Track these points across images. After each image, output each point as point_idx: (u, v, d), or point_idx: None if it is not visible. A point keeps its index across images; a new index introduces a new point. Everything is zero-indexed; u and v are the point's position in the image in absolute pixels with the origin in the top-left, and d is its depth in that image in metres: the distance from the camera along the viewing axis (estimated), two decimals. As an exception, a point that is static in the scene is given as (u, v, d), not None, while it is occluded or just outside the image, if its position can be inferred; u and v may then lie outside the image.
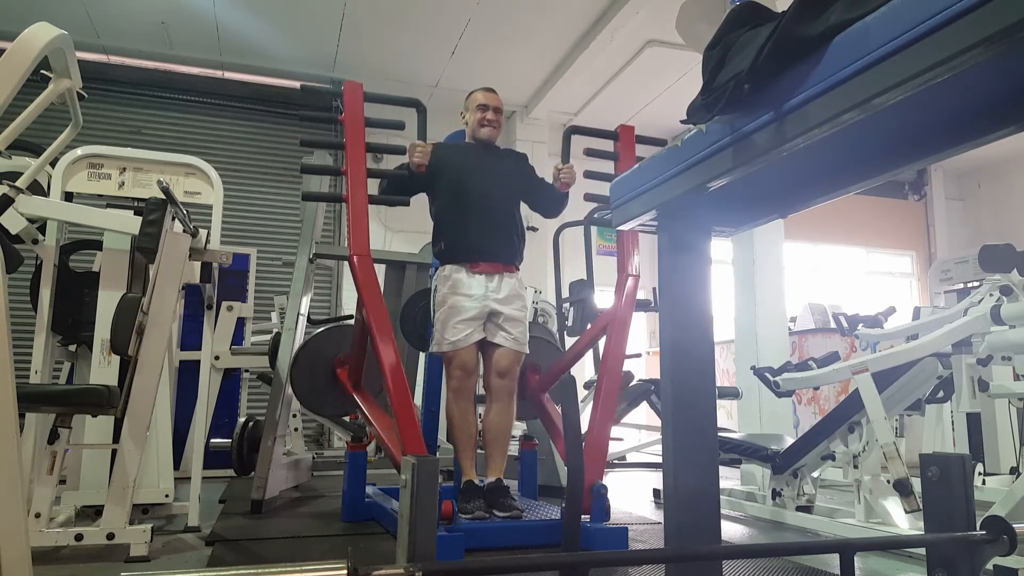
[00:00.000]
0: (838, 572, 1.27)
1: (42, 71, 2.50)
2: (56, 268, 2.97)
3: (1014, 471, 3.63)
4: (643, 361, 8.25)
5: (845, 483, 4.07)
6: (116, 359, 2.95)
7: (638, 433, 6.93)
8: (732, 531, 3.19)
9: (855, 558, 1.27)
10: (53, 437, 2.46)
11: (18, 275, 2.92)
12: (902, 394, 3.12)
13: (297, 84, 7.09)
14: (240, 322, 5.19)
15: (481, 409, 3.21)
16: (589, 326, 3.91)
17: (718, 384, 4.02)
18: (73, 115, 2.86)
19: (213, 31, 6.68)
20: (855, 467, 2.98)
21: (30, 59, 2.15)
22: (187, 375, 3.91)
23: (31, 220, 2.94)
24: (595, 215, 4.26)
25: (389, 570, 1.05)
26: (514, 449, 3.91)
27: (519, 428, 4.74)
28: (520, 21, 6.55)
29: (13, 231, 2.87)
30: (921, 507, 1.75)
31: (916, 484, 2.35)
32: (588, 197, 3.49)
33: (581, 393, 4.93)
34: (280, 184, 7.68)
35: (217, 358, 4.77)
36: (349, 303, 7.53)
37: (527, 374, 3.43)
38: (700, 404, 1.42)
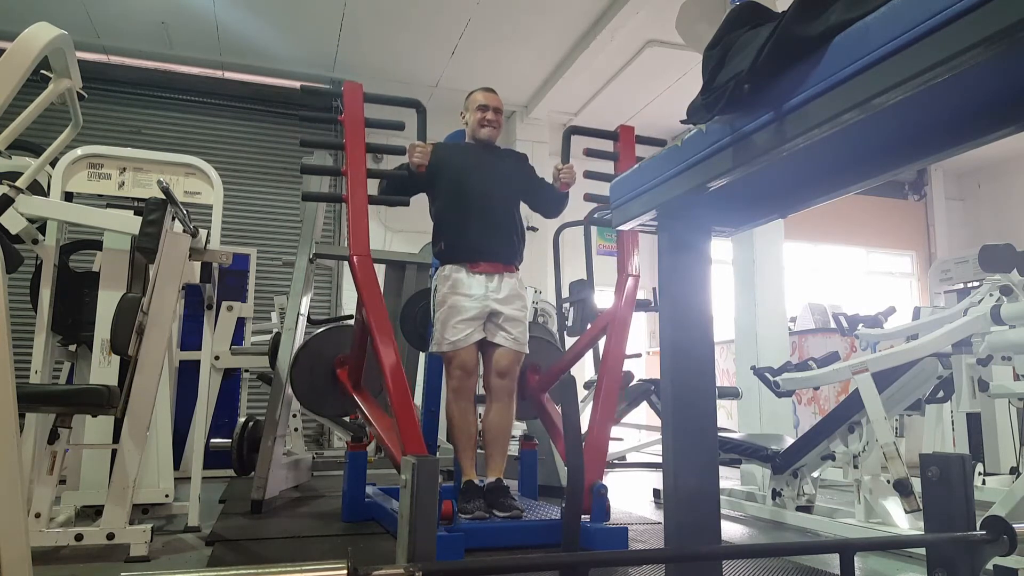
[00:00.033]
0: (838, 572, 1.27)
1: (42, 71, 2.51)
2: (56, 268, 2.97)
3: (1014, 471, 3.63)
4: (643, 361, 8.25)
5: (845, 483, 4.07)
6: (116, 359, 2.95)
7: (638, 433, 6.93)
8: (732, 531, 3.19)
9: (855, 558, 1.27)
10: (53, 437, 2.46)
11: (18, 275, 2.92)
12: (902, 394, 3.12)
13: (297, 84, 7.11)
14: (240, 322, 5.19)
15: (481, 409, 3.21)
16: (589, 326, 3.91)
17: (718, 384, 4.02)
18: (73, 115, 2.86)
19: (213, 31, 6.68)
20: (855, 467, 2.98)
21: (30, 59, 2.15)
22: (187, 375, 3.91)
23: (31, 220, 2.94)
24: (595, 215, 4.26)
25: (389, 570, 1.05)
26: (514, 449, 3.91)
27: (519, 428, 4.74)
28: (520, 21, 6.55)
29: (13, 231, 2.87)
30: (921, 507, 1.75)
31: (916, 484, 2.35)
32: (588, 197, 3.49)
33: (581, 393, 4.93)
34: (280, 184, 7.68)
35: (217, 358, 4.77)
36: (349, 303, 7.53)
37: (527, 374, 3.43)
38: (700, 404, 1.42)
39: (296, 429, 4.87)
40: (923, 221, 10.34)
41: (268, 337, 5.06)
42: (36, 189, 2.98)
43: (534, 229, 4.00)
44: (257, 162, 7.69)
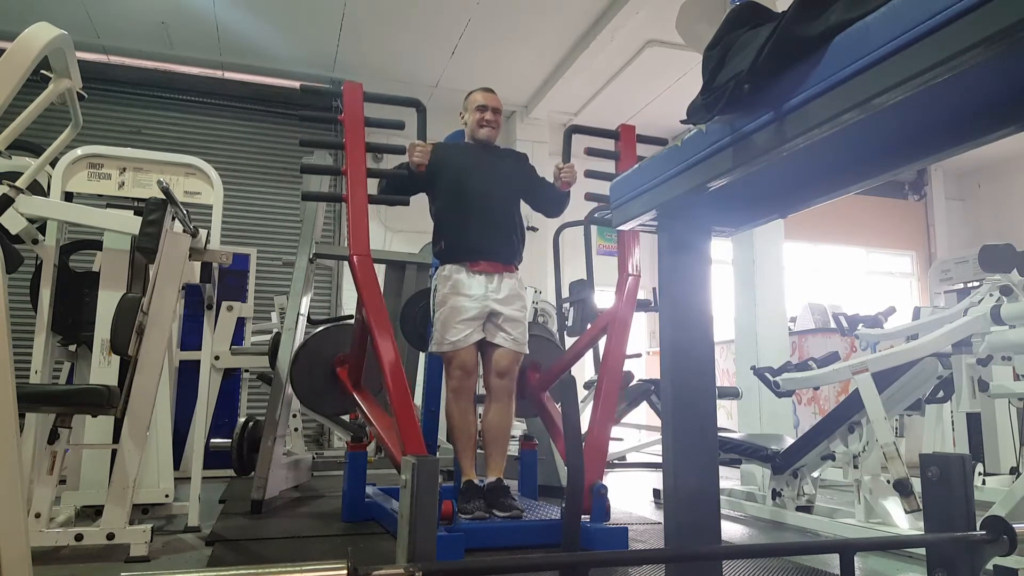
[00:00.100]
0: (838, 572, 1.27)
1: (42, 71, 2.50)
2: (56, 268, 2.97)
3: (1014, 471, 3.63)
4: (643, 361, 8.25)
5: (845, 483, 4.07)
6: (116, 359, 2.95)
7: (638, 433, 6.93)
8: (732, 531, 3.19)
9: (855, 558, 1.27)
10: (53, 437, 2.45)
11: (18, 275, 2.92)
12: (902, 394, 3.12)
13: (297, 84, 7.10)
14: (240, 322, 5.19)
15: (481, 409, 3.21)
16: (589, 326, 3.91)
17: (718, 384, 4.02)
18: (73, 115, 2.86)
19: (213, 31, 6.68)
20: (855, 467, 2.98)
21: (30, 59, 2.15)
22: (187, 375, 3.91)
23: (31, 220, 2.93)
24: (595, 214, 4.26)
25: (389, 570, 1.05)
26: (514, 449, 3.91)
27: (519, 428, 4.74)
28: (520, 21, 6.55)
29: (13, 231, 2.87)
30: (921, 507, 1.75)
31: (916, 484, 2.35)
32: (589, 196, 3.49)
33: (581, 393, 4.93)
34: (280, 184, 7.68)
35: (217, 358, 4.77)
36: (349, 303, 7.53)
37: (527, 372, 3.43)
38: (700, 404, 1.42)
39: (296, 429, 4.87)
40: (923, 221, 10.34)
41: (268, 337, 5.06)
42: (36, 189, 2.98)
43: (534, 229, 3.99)
44: (257, 162, 7.69)
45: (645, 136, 3.54)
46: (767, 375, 3.51)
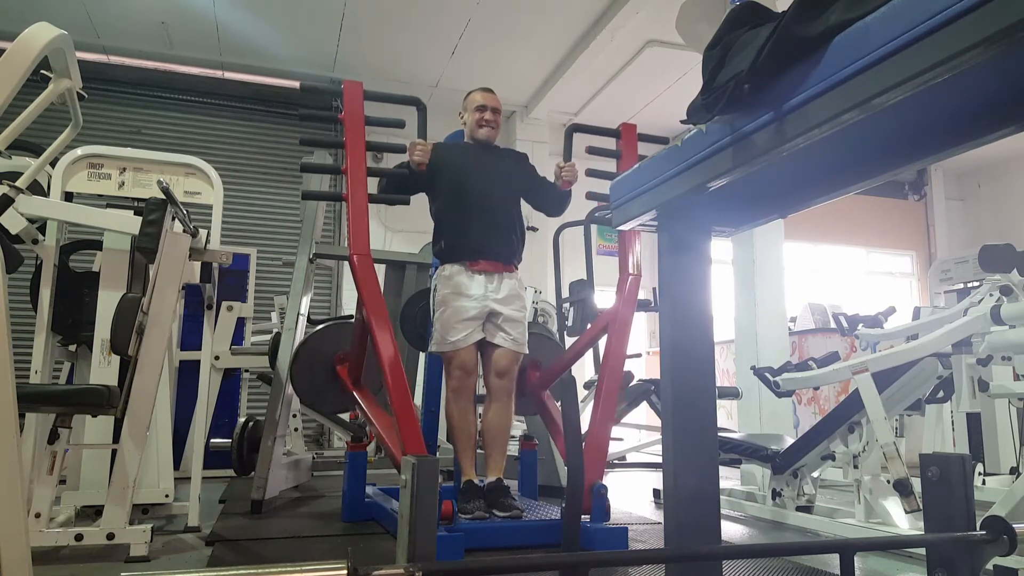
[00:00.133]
0: (838, 572, 1.27)
1: (42, 71, 2.50)
2: (56, 268, 2.97)
3: (1014, 471, 3.63)
4: (643, 361, 8.25)
5: (845, 483, 4.07)
6: (116, 359, 2.95)
7: (638, 433, 6.93)
8: (732, 531, 3.19)
9: (855, 558, 1.27)
10: (53, 437, 2.45)
11: (18, 275, 2.92)
12: (902, 394, 3.12)
13: (297, 84, 7.09)
14: (240, 322, 5.19)
15: (481, 409, 3.21)
16: (589, 326, 3.91)
17: (718, 384, 4.02)
18: (73, 115, 2.86)
19: (213, 31, 6.69)
20: (855, 467, 2.98)
21: (30, 59, 2.15)
22: (187, 375, 3.91)
23: (31, 220, 2.93)
24: (596, 214, 4.26)
25: (389, 570, 1.05)
26: (514, 449, 3.91)
27: (519, 428, 4.74)
28: (520, 21, 6.55)
29: (13, 231, 2.87)
30: (921, 507, 1.75)
31: (916, 484, 2.35)
32: (590, 196, 3.48)
33: (581, 393, 4.93)
34: (280, 184, 7.68)
35: (217, 358, 4.77)
36: (349, 303, 7.53)
37: (528, 370, 3.43)
38: (700, 404, 1.42)
39: (296, 429, 4.87)
40: (923, 221, 10.34)
41: (268, 337, 5.06)
42: (36, 189, 2.98)
43: (534, 229, 3.99)
44: (257, 162, 7.69)
45: (646, 135, 3.53)
46: (767, 375, 3.51)
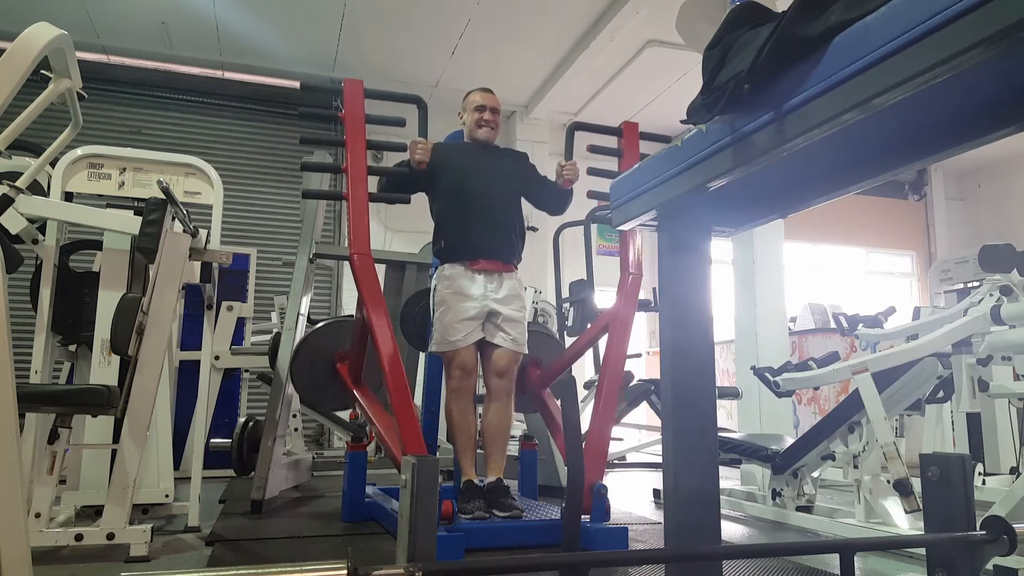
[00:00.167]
0: (838, 572, 1.27)
1: (42, 71, 2.50)
2: (56, 268, 2.97)
3: (1014, 471, 3.63)
4: (643, 361, 8.25)
5: (845, 483, 4.07)
6: (116, 359, 2.95)
7: (638, 433, 6.93)
8: (732, 531, 3.19)
9: (855, 558, 1.27)
10: (53, 437, 2.45)
11: (18, 275, 2.92)
12: (902, 394, 3.12)
13: (297, 84, 7.09)
14: (240, 322, 5.19)
15: (481, 409, 3.21)
16: (589, 326, 3.91)
17: (718, 384, 4.02)
18: (73, 115, 2.86)
19: (213, 31, 6.69)
20: (855, 467, 2.98)
21: (30, 59, 2.15)
22: (187, 375, 3.91)
23: (31, 220, 2.94)
24: (597, 212, 4.26)
25: (389, 570, 1.05)
26: (514, 449, 3.91)
27: (519, 428, 4.74)
28: (520, 21, 6.55)
29: (13, 231, 2.87)
30: (921, 507, 1.75)
31: (916, 484, 2.35)
32: (591, 195, 3.47)
33: (580, 393, 4.93)
34: (280, 184, 7.68)
35: (217, 358, 4.77)
36: (349, 303, 7.53)
37: (528, 368, 3.43)
38: (700, 404, 1.42)
39: (296, 429, 4.87)
40: (923, 221, 10.34)
41: (268, 337, 5.06)
42: (36, 189, 2.98)
43: (534, 229, 3.99)
44: (257, 162, 7.70)
45: (648, 133, 3.52)
46: (767, 375, 3.51)
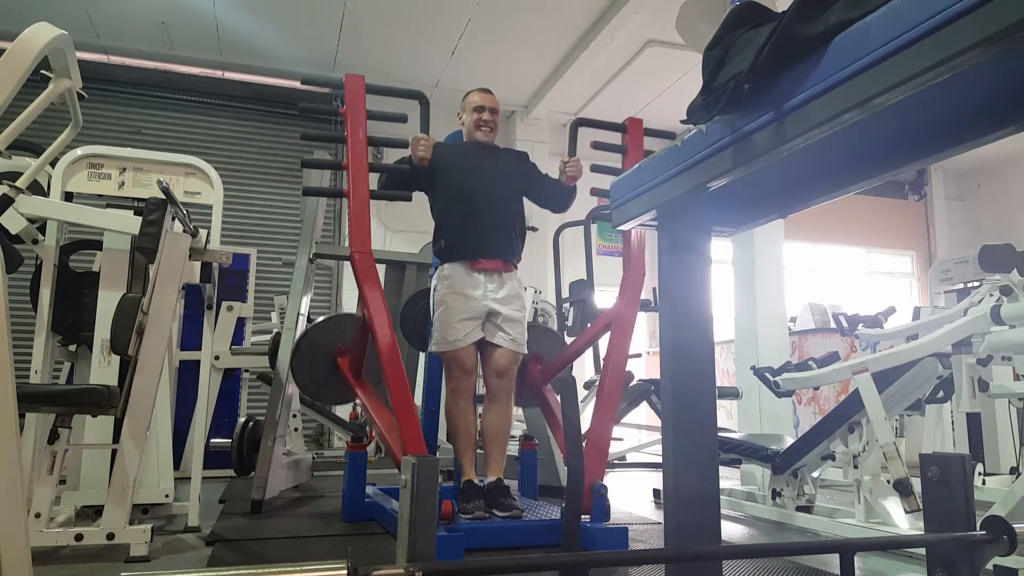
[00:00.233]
0: (838, 572, 1.27)
1: (42, 71, 2.50)
2: (56, 268, 2.97)
3: (1014, 471, 3.63)
4: (643, 361, 8.25)
5: (845, 483, 4.07)
6: (116, 359, 2.95)
7: (638, 433, 6.93)
8: (732, 531, 3.19)
9: (855, 558, 1.27)
10: (53, 437, 2.46)
11: (18, 275, 2.92)
12: (902, 394, 3.12)
13: (297, 84, 7.08)
14: (240, 322, 5.19)
15: (481, 409, 3.21)
16: (589, 325, 3.91)
17: (718, 384, 4.02)
18: (73, 115, 2.86)
19: (213, 31, 6.68)
20: (855, 467, 2.98)
21: (30, 59, 2.15)
22: (187, 375, 3.91)
23: (31, 220, 2.94)
24: (598, 211, 4.26)
25: (389, 570, 1.05)
26: (514, 449, 3.91)
27: (519, 428, 4.74)
28: (520, 21, 6.55)
29: (13, 231, 2.87)
30: (921, 507, 1.75)
31: (916, 484, 2.35)
32: (595, 192, 3.46)
33: (580, 393, 4.93)
34: (280, 184, 7.68)
35: (217, 358, 4.77)
36: (349, 303, 7.53)
37: (529, 364, 3.42)
38: (700, 404, 1.42)
39: (296, 429, 4.87)
40: (923, 221, 10.34)
41: (268, 337, 5.06)
42: (36, 189, 2.98)
43: (534, 229, 3.99)
44: (257, 162, 7.70)
45: (653, 129, 3.49)
46: (767, 375, 3.50)
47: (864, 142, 1.16)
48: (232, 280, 5.54)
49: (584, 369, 6.50)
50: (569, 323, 4.98)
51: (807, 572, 2.42)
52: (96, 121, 6.87)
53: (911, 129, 1.12)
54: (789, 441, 3.48)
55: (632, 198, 1.50)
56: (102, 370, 2.97)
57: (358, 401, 3.59)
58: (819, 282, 9.60)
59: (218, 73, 7.44)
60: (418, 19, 6.48)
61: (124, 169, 3.15)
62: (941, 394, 3.54)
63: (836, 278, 9.87)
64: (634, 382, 4.29)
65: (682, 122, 1.34)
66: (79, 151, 3.12)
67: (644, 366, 8.16)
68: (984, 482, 3.65)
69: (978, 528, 1.33)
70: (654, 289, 4.51)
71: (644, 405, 4.57)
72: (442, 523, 2.51)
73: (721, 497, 1.81)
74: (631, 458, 6.09)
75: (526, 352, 3.11)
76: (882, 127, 1.08)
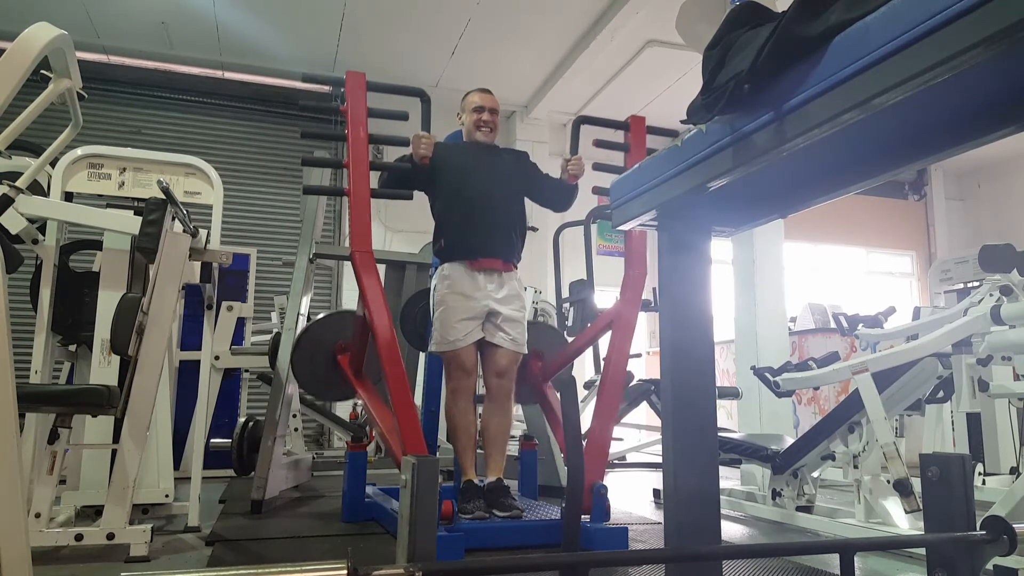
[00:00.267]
0: (838, 572, 1.27)
1: (42, 71, 2.50)
2: (56, 268, 2.97)
3: (1014, 471, 3.63)
4: (643, 361, 8.25)
5: (845, 483, 4.07)
6: (116, 359, 2.95)
7: (638, 433, 6.93)
8: (732, 531, 3.19)
9: (855, 558, 1.27)
10: (53, 437, 2.45)
11: (18, 275, 2.92)
12: (902, 394, 3.12)
13: (297, 84, 7.09)
14: (240, 322, 5.19)
15: (481, 409, 3.21)
16: (589, 325, 3.91)
17: (718, 384, 4.02)
18: (73, 115, 2.86)
19: (213, 31, 6.69)
20: (855, 467, 2.97)
21: (30, 59, 2.15)
22: (187, 375, 3.91)
23: (31, 220, 2.94)
24: (599, 210, 4.25)
25: (389, 570, 1.05)
26: (514, 449, 3.91)
27: (519, 428, 4.74)
28: (520, 21, 6.55)
29: (13, 231, 2.87)
30: (921, 507, 1.75)
31: (916, 484, 2.35)
32: (596, 190, 3.46)
33: (580, 393, 4.93)
34: (280, 184, 7.69)
35: (217, 358, 4.78)
36: (349, 303, 7.53)
37: (530, 361, 3.42)
38: (700, 404, 1.42)
39: (296, 429, 4.87)
40: (923, 221, 10.34)
41: (268, 337, 5.06)
42: (36, 189, 2.98)
43: (534, 229, 3.99)
44: (257, 162, 7.70)
45: (656, 127, 3.49)
46: (767, 375, 3.50)
47: (864, 142, 1.16)
48: (232, 280, 5.54)
49: (584, 369, 6.49)
50: (569, 323, 4.98)
51: (807, 572, 2.42)
52: (96, 121, 6.87)
53: (911, 129, 1.12)
54: (789, 441, 3.48)
55: (632, 198, 1.50)
56: (102, 370, 2.97)
57: (358, 401, 3.59)
58: (819, 282, 9.60)
59: (218, 73, 7.44)
60: (418, 19, 6.48)
61: (124, 169, 3.15)
62: (941, 394, 3.54)
63: (836, 278, 9.87)
64: (634, 382, 4.29)
65: (682, 122, 1.34)
66: (79, 151, 3.12)
67: (644, 366, 8.16)
68: (984, 482, 3.65)
69: (978, 528, 1.32)
70: (654, 289, 4.51)
71: (644, 405, 4.57)
72: (442, 523, 2.51)
73: (721, 497, 1.81)
74: (631, 458, 6.09)
75: (526, 352, 3.11)
76: (882, 127, 1.08)
